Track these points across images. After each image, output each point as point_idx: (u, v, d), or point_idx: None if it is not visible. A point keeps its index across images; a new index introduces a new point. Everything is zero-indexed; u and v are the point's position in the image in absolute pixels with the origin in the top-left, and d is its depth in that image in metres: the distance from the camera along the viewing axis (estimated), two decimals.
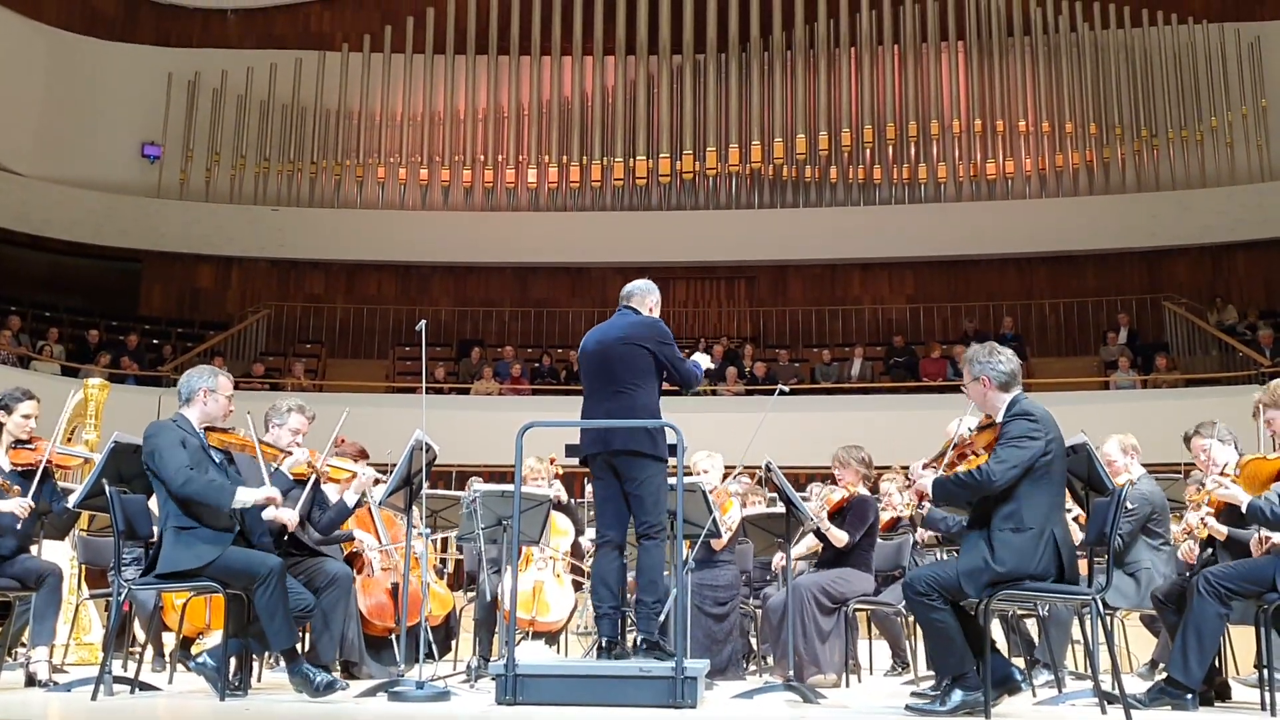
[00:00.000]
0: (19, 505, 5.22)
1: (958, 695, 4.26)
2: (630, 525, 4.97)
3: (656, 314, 5.23)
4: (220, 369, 5.15)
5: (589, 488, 10.50)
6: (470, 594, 6.81)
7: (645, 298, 5.22)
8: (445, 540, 8.82)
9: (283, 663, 4.76)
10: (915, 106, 17.05)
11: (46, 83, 16.75)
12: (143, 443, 4.79)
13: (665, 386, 5.13)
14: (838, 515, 6.19)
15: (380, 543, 6.25)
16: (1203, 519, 5.12)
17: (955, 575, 4.29)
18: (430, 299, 17.31)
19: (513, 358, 16.01)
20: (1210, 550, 5.39)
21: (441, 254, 17.23)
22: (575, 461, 5.18)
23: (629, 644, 4.86)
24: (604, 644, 4.75)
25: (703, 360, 5.27)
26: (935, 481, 4.47)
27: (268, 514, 4.96)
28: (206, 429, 4.91)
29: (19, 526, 5.26)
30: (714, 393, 15.07)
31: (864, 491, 6.26)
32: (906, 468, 6.83)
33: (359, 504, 5.59)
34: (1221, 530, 5.11)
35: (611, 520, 4.92)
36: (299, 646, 4.84)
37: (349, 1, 18.35)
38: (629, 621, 5.08)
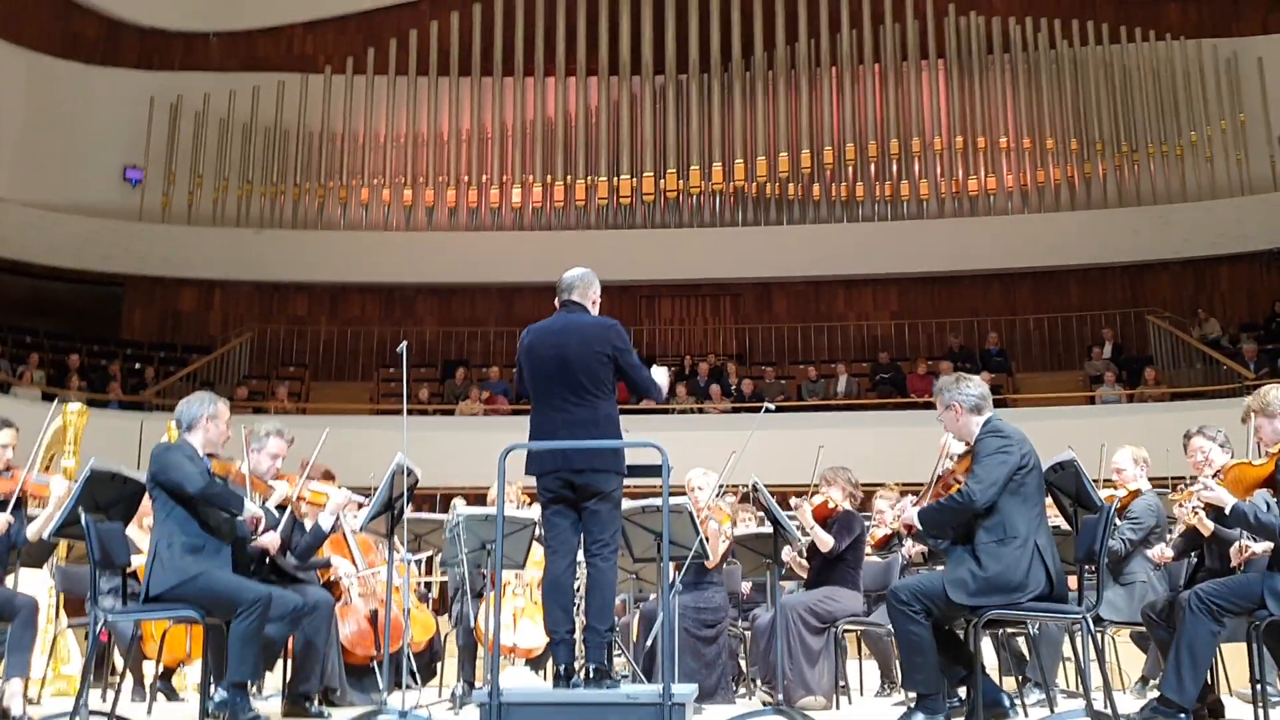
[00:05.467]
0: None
1: (919, 718, 4.23)
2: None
3: (598, 308, 4.91)
4: (218, 396, 5.11)
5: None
6: (454, 616, 6.74)
7: (588, 289, 4.86)
8: (430, 562, 8.72)
9: (267, 693, 4.69)
10: (896, 124, 17.11)
11: (27, 106, 16.67)
12: (151, 461, 4.79)
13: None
14: (823, 524, 6.16)
15: (357, 569, 6.17)
16: (1195, 509, 5.09)
17: (941, 586, 4.30)
18: (415, 320, 17.26)
19: (498, 378, 15.95)
20: (1197, 559, 5.36)
21: (426, 275, 17.19)
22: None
23: (584, 673, 4.54)
24: (562, 671, 4.49)
25: (660, 377, 4.86)
26: (921, 512, 4.50)
27: (254, 541, 4.95)
28: (208, 455, 4.93)
29: None
30: (700, 411, 15.03)
31: (847, 506, 6.25)
32: (904, 492, 6.85)
33: (335, 527, 5.53)
34: (1209, 525, 5.09)
35: (566, 537, 4.66)
36: (258, 682, 4.73)
37: (331, 24, 18.33)
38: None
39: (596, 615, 4.54)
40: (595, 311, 4.90)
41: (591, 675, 4.44)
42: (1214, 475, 4.86)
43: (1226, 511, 4.56)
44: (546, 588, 4.66)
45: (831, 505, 6.17)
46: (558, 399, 4.67)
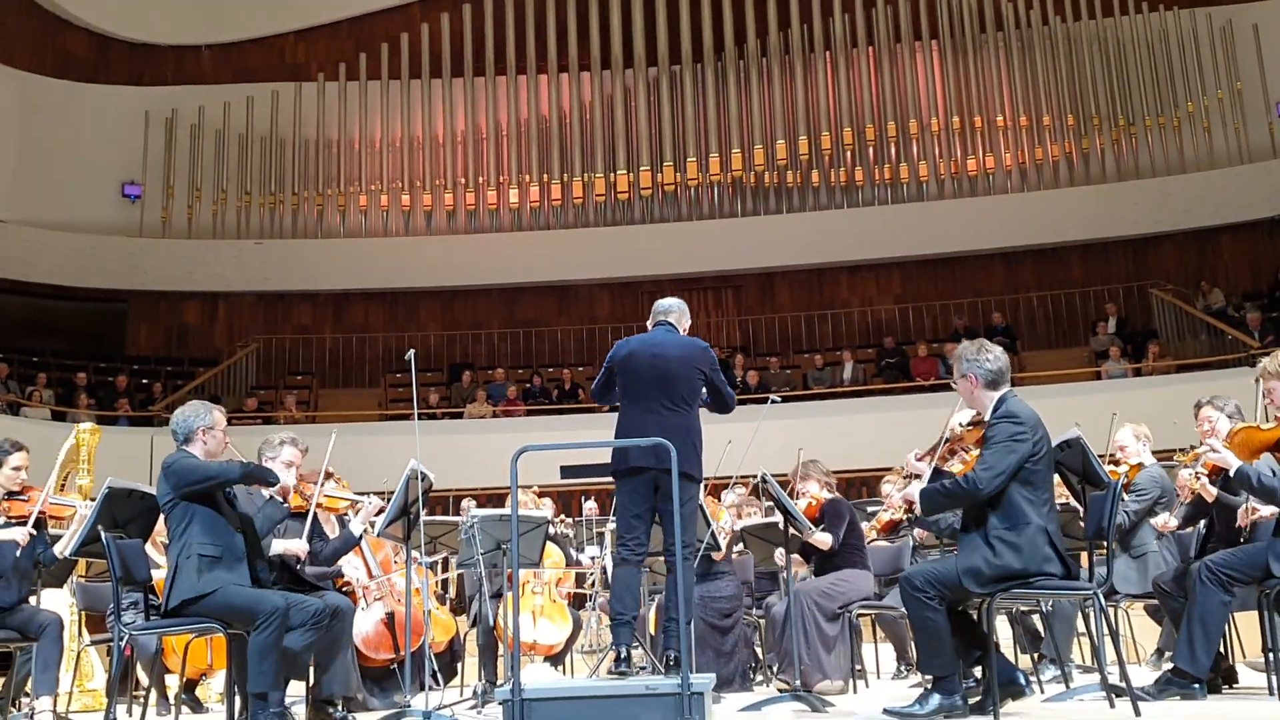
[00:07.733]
0: (20, 533, 5.23)
1: (935, 699, 4.27)
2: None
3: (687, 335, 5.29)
4: (213, 405, 5.11)
5: (588, 505, 10.43)
6: (472, 616, 6.80)
7: (683, 317, 5.28)
8: (445, 563, 8.77)
9: (289, 700, 4.72)
10: (893, 107, 17.10)
11: (22, 127, 16.71)
12: (164, 472, 4.75)
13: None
14: (814, 523, 6.21)
15: (370, 571, 6.22)
16: (1196, 473, 5.12)
17: (955, 573, 4.29)
18: (418, 324, 17.31)
19: (504, 379, 16.00)
20: (1206, 527, 5.38)
21: (427, 279, 17.22)
22: (569, 481, 5.13)
23: (666, 661, 4.81)
24: (623, 654, 4.68)
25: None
26: (922, 492, 4.47)
27: (277, 546, 4.99)
28: None
29: (18, 554, 5.24)
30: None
31: (829, 495, 6.31)
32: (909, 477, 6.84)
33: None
34: (1212, 491, 5.11)
35: (643, 536, 4.94)
36: (279, 693, 4.75)
37: (322, 31, 18.35)
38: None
39: (682, 610, 4.69)
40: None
41: (675, 664, 4.60)
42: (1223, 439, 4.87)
43: (1231, 473, 4.57)
44: (620, 574, 4.90)
45: (815, 503, 6.23)
46: (655, 403, 4.96)
